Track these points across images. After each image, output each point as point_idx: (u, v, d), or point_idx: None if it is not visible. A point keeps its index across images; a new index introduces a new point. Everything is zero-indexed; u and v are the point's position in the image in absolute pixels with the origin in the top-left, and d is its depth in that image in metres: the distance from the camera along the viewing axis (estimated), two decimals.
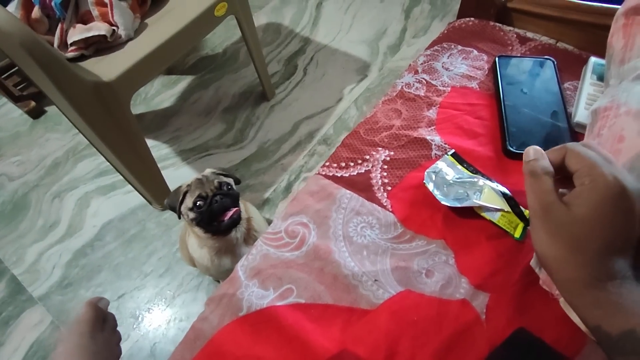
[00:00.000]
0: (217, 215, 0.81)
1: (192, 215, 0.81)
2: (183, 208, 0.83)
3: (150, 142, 1.46)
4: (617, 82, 0.50)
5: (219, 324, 0.45)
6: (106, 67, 0.91)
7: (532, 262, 0.44)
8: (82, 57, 0.96)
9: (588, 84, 0.58)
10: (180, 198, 0.82)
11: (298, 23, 1.87)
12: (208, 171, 0.87)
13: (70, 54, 0.95)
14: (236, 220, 0.82)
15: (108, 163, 1.33)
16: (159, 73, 1.64)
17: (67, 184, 1.39)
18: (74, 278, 1.18)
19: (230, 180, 0.87)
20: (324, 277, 0.46)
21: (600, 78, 0.58)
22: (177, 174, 1.37)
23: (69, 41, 0.95)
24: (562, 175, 0.38)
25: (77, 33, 0.94)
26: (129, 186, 1.33)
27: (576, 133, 0.55)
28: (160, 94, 1.63)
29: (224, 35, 1.83)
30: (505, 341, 0.40)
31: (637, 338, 0.31)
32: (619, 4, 0.56)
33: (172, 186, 1.29)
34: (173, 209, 0.84)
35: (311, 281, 0.46)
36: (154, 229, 1.26)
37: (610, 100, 0.48)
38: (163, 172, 1.22)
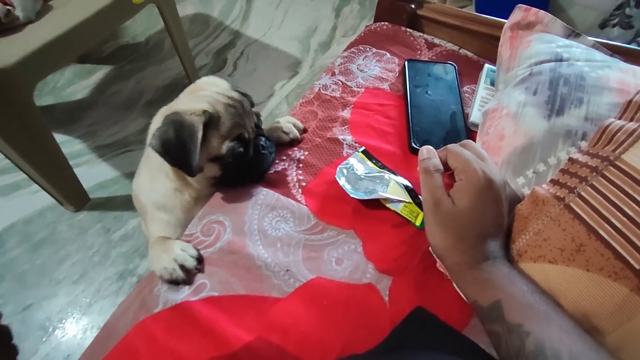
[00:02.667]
0: (263, 162, 0.56)
1: (213, 167, 0.53)
2: (204, 157, 0.51)
3: (61, 137, 1.36)
4: (504, 87, 0.58)
5: (132, 321, 0.45)
6: (2, 52, 0.83)
7: (430, 248, 0.50)
8: None
9: (482, 88, 0.66)
10: (199, 137, 0.49)
11: (228, 15, 1.85)
12: (225, 85, 0.56)
13: None
14: (273, 161, 0.59)
15: (7, 161, 1.21)
16: (68, 62, 1.52)
17: None
18: None
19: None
20: (237, 270, 0.48)
21: (493, 83, 0.67)
22: (93, 171, 1.29)
23: None
24: (452, 171, 0.44)
25: None
26: (36, 185, 1.22)
27: (471, 132, 0.62)
28: (72, 84, 1.51)
29: (146, 23, 1.75)
30: (404, 319, 0.45)
31: (500, 307, 0.37)
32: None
33: (86, 185, 1.21)
34: (178, 161, 0.50)
35: (224, 274, 0.47)
36: (66, 232, 1.17)
37: (497, 103, 0.56)
38: (76, 170, 1.15)
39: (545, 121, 0.48)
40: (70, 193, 1.18)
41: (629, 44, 1.65)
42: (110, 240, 1.16)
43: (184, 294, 0.46)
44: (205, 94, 0.54)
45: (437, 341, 0.42)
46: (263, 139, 0.56)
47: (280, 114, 1.48)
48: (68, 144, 1.34)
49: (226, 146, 0.52)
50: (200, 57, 1.63)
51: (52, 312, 1.04)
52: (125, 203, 1.23)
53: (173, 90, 1.50)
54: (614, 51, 0.60)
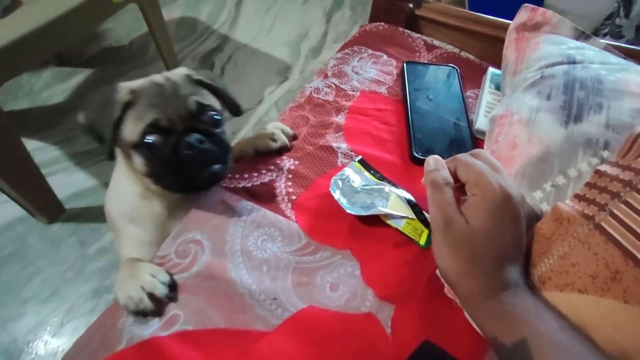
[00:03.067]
0: (190, 166, 0.45)
1: (137, 158, 0.46)
2: (126, 145, 0.45)
3: (36, 144, 1.28)
4: (511, 92, 0.53)
5: None
6: None
7: (438, 271, 0.45)
8: None
9: (487, 93, 0.61)
10: (116, 115, 0.43)
11: (216, 20, 1.79)
12: (180, 71, 0.49)
13: None
14: (220, 176, 0.48)
15: None
16: (39, 62, 1.45)
17: None
18: None
19: (216, 104, 0.49)
20: (216, 298, 0.41)
21: (498, 87, 0.62)
22: (69, 180, 1.21)
23: None
24: (462, 184, 0.39)
25: None
26: (2, 196, 1.13)
27: (477, 139, 0.57)
28: (49, 88, 1.43)
29: (130, 26, 1.68)
30: (410, 356, 0.39)
31: (527, 347, 0.31)
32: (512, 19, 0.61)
33: (61, 195, 1.13)
34: (98, 136, 0.45)
35: (201, 303, 0.41)
36: (36, 246, 1.09)
37: (505, 109, 0.51)
38: (51, 179, 1.08)
39: (562, 128, 0.43)
40: (43, 203, 1.10)
41: None
42: (85, 254, 1.09)
43: (152, 328, 0.40)
44: (155, 75, 0.48)
45: None
46: (196, 136, 0.44)
47: (270, 121, 1.43)
48: (43, 151, 1.26)
49: (141, 127, 0.43)
50: (186, 62, 1.57)
51: (18, 334, 0.96)
52: (102, 214, 1.14)
53: None
54: (626, 54, 0.56)
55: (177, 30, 1.70)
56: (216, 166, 0.46)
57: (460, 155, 0.39)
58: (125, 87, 0.45)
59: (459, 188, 0.40)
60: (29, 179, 1.02)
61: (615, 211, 0.33)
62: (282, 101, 1.49)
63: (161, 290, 0.41)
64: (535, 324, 0.32)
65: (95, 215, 1.16)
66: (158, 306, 0.41)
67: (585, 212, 0.35)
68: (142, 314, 0.40)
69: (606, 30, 1.80)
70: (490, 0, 1.24)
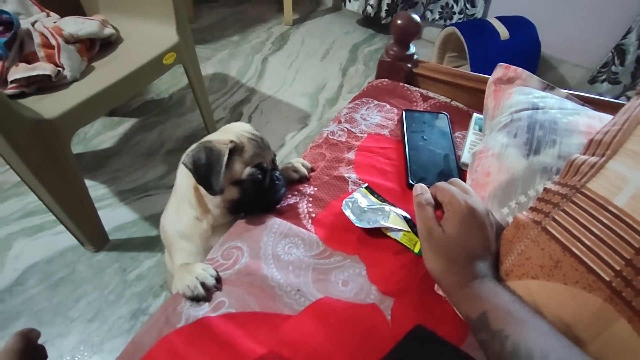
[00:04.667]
0: (269, 195, 0.63)
1: (234, 191, 0.60)
2: (226, 179, 0.59)
3: (87, 183, 1.43)
4: (490, 132, 0.66)
5: (157, 336, 0.49)
6: (48, 105, 0.94)
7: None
8: (22, 95, 0.99)
9: (471, 133, 0.74)
10: (225, 160, 0.57)
11: (244, 75, 2.02)
12: (251, 129, 0.66)
13: (9, 91, 0.97)
14: (284, 195, 0.66)
15: (36, 203, 1.29)
16: (102, 114, 1.67)
17: None
18: None
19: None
20: (253, 289, 0.53)
21: (481, 129, 0.75)
22: (114, 214, 1.36)
23: (10, 79, 0.98)
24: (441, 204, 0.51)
25: (20, 71, 0.97)
26: (59, 227, 1.29)
27: (462, 171, 0.69)
28: (100, 135, 1.64)
29: (170, 82, 1.91)
30: (405, 336, 0.48)
31: (486, 317, 0.41)
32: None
33: (107, 227, 1.28)
34: (204, 178, 0.58)
35: (241, 293, 0.52)
36: (84, 272, 1.22)
37: (484, 146, 0.63)
38: (99, 213, 1.22)
39: (524, 159, 0.55)
40: (92, 234, 1.24)
41: (617, 97, 1.76)
42: (125, 279, 1.21)
43: (204, 310, 0.51)
44: (233, 130, 0.65)
45: (436, 355, 0.46)
46: (277, 172, 0.65)
47: None
48: (93, 188, 1.43)
49: (247, 171, 0.60)
50: (218, 111, 1.77)
51: (64, 350, 1.06)
52: (142, 244, 1.29)
53: (192, 140, 1.59)
54: (585, 101, 0.68)
55: (210, 84, 1.93)
56: (282, 190, 0.65)
57: (439, 183, 0.52)
58: (222, 142, 0.59)
59: (440, 207, 0.52)
60: (85, 213, 1.17)
61: (556, 217, 0.44)
62: (302, 145, 1.65)
63: (210, 280, 0.53)
64: (492, 300, 0.42)
65: (135, 245, 1.29)
66: (208, 294, 0.53)
67: (535, 219, 0.46)
68: (196, 300, 0.52)
69: (603, 77, 1.91)
70: (487, 61, 1.42)
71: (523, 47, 1.68)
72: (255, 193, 0.62)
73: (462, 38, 1.64)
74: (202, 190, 0.62)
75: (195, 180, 0.60)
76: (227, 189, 0.61)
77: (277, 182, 0.64)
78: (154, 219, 1.35)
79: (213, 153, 0.58)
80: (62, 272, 1.22)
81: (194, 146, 0.60)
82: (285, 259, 0.57)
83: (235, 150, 0.60)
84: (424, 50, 2.17)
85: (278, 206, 0.65)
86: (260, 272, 0.54)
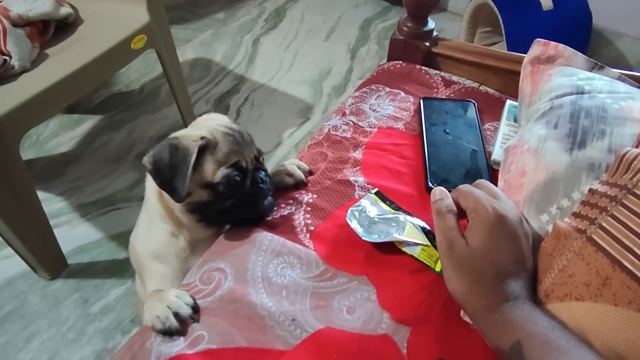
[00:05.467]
0: (259, 198, 0.65)
1: (205, 195, 0.62)
2: (195, 182, 0.60)
3: (41, 195, 1.45)
4: (526, 123, 0.67)
5: None
6: None
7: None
8: None
9: (504, 125, 0.75)
10: (192, 160, 0.58)
11: (231, 60, 2.05)
12: (228, 122, 0.68)
13: None
14: (273, 205, 0.67)
15: None
16: (59, 111, 1.70)
17: None
18: None
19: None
20: (238, 320, 0.54)
21: (516, 119, 0.76)
22: (74, 233, 1.38)
23: None
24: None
25: None
26: (6, 250, 1.31)
27: (494, 170, 0.70)
28: (56, 136, 1.67)
29: (141, 70, 1.95)
30: None
31: (520, 348, 0.42)
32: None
33: (65, 249, 1.30)
34: (167, 181, 0.59)
35: (224, 324, 0.53)
36: (37, 304, 1.24)
37: (518, 139, 0.64)
38: (55, 231, 1.24)
39: (567, 155, 0.56)
40: (47, 258, 1.26)
41: None
42: (88, 313, 1.22)
43: (178, 346, 0.52)
44: (206, 124, 0.66)
45: None
46: (263, 173, 0.66)
47: None
48: (48, 202, 1.46)
49: (222, 173, 0.61)
50: (200, 105, 1.80)
51: None
52: (108, 270, 1.31)
53: None
54: None
55: (190, 72, 1.96)
56: (270, 198, 0.67)
57: (461, 186, 0.53)
58: (191, 139, 0.60)
59: (464, 215, 0.53)
60: (38, 232, 1.19)
61: (604, 224, 0.45)
62: (303, 143, 1.66)
63: (185, 310, 0.54)
64: (528, 327, 0.43)
65: (99, 271, 1.31)
66: (183, 326, 0.54)
67: (579, 226, 0.47)
68: (168, 333, 0.54)
69: None
70: (527, 37, 1.43)
71: (570, 19, 1.69)
72: (234, 199, 0.63)
73: (495, 9, 1.65)
74: (166, 196, 0.63)
75: (157, 184, 0.62)
76: (195, 192, 0.62)
77: (260, 185, 0.65)
78: (123, 238, 1.37)
79: (178, 151, 0.59)
80: (9, 305, 1.24)
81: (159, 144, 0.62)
82: (277, 282, 0.58)
83: (207, 147, 0.61)
84: (450, 25, 2.18)
85: (269, 218, 0.67)
86: (248, 299, 0.56)
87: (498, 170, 0.68)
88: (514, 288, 0.47)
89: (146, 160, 0.60)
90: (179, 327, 0.54)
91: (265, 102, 1.85)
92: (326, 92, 1.90)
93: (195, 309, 0.56)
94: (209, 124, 0.66)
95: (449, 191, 0.55)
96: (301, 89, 1.91)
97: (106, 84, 1.89)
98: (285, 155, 1.63)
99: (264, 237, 0.63)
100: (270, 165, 1.60)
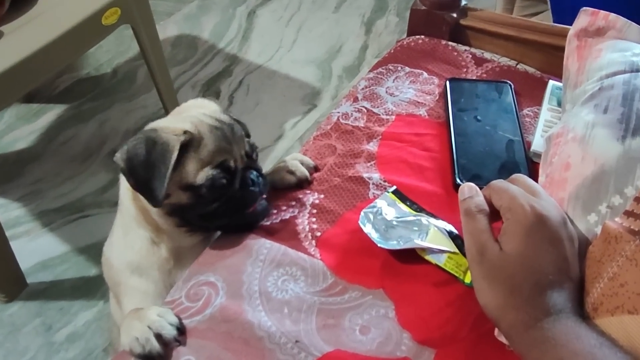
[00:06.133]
0: (249, 202, 0.67)
1: (184, 198, 0.64)
2: (174, 182, 0.62)
3: None
4: (571, 107, 0.69)
5: None
6: None
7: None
8: None
9: (546, 110, 0.77)
10: (173, 158, 0.60)
11: (222, 36, 2.07)
12: (219, 111, 0.70)
13: None
14: (268, 210, 0.71)
15: None
16: (15, 100, 1.73)
17: None
18: None
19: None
20: (232, 343, 0.56)
21: (560, 103, 0.78)
22: (34, 246, 1.41)
23: None
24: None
25: None
26: None
27: (534, 163, 0.72)
28: (13, 131, 1.70)
29: (114, 50, 1.98)
30: None
31: None
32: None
33: (23, 265, 1.32)
34: (143, 183, 0.62)
35: (215, 348, 0.55)
36: None
37: (562, 127, 0.66)
38: (12, 244, 1.26)
39: (618, 144, 0.58)
40: (2, 276, 1.29)
41: None
42: (51, 342, 1.24)
43: None
44: (190, 114, 0.67)
45: None
46: (254, 173, 0.68)
47: None
48: (3, 209, 1.48)
49: (205, 174, 0.63)
50: (185, 90, 1.82)
51: None
52: (76, 289, 1.33)
53: None
54: None
55: (173, 51, 1.99)
56: (263, 201, 0.69)
57: (494, 181, 0.55)
58: (172, 132, 0.62)
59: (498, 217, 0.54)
60: None
61: None
62: (309, 136, 1.66)
63: (169, 331, 0.56)
64: (572, 345, 0.45)
65: (65, 291, 1.33)
66: (166, 350, 0.56)
67: (632, 227, 0.49)
68: (149, 358, 0.55)
69: None
70: (577, 5, 1.43)
71: None
72: (219, 203, 0.65)
73: None
74: (141, 198, 0.65)
75: (130, 185, 0.64)
76: (174, 194, 0.64)
77: (251, 187, 0.66)
78: (93, 252, 1.39)
79: (156, 147, 0.60)
80: None
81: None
82: (278, 298, 0.60)
83: (190, 144, 0.62)
84: None
85: (267, 223, 0.69)
86: (243, 318, 0.58)
87: (538, 164, 0.69)
88: (557, 300, 0.48)
89: (119, 156, 0.62)
90: (162, 351, 0.55)
91: (263, 87, 1.87)
92: (336, 73, 1.92)
93: (181, 329, 0.58)
94: (194, 114, 0.68)
95: (480, 188, 0.56)
96: (306, 70, 1.93)
97: (72, 67, 1.91)
98: (288, 150, 1.65)
99: (262, 245, 0.65)
100: (270, 163, 1.62)
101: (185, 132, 0.62)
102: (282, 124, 1.73)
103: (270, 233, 0.67)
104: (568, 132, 0.63)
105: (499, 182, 0.55)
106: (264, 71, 1.93)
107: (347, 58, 1.98)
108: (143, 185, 0.62)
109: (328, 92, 1.85)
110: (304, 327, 0.57)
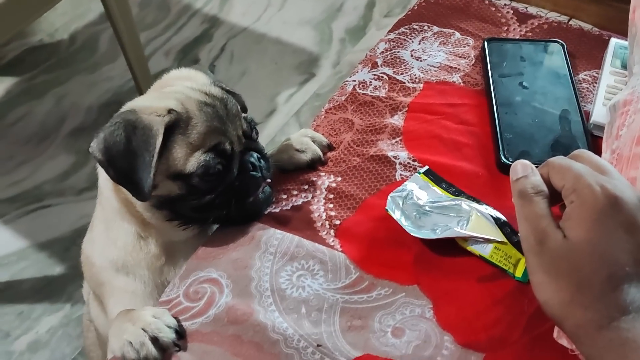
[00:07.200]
0: (239, 195, 0.66)
1: (174, 188, 0.64)
2: (161, 171, 0.62)
3: None
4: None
5: None
6: None
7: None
8: None
9: (608, 73, 0.76)
10: (158, 143, 0.60)
11: None
12: (209, 83, 0.69)
13: None
14: (270, 197, 0.70)
15: None
16: None
17: None
18: None
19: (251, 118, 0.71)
20: (241, 348, 0.55)
21: (624, 65, 0.77)
22: None
23: None
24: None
25: None
26: None
27: (594, 137, 0.71)
28: None
29: (71, 13, 1.95)
30: None
31: None
32: None
33: None
34: (125, 174, 0.61)
35: (222, 355, 0.55)
36: None
37: (630, 92, 0.65)
38: None
39: None
40: None
41: None
42: (10, 351, 1.24)
43: None
44: (174, 90, 0.66)
45: None
46: (255, 155, 0.67)
47: None
48: None
49: (196, 160, 0.62)
50: (157, 58, 1.80)
51: None
52: (37, 291, 1.32)
53: (114, 110, 1.64)
54: None
55: (142, 12, 1.96)
56: (267, 188, 0.68)
57: (554, 158, 0.54)
58: (155, 112, 0.61)
59: (562, 205, 0.54)
60: None
61: None
62: (306, 110, 1.67)
63: (167, 335, 0.56)
64: None
65: (24, 293, 1.33)
66: (164, 355, 0.55)
67: None
68: None
69: None
70: None
71: None
72: (215, 193, 0.65)
73: None
74: (125, 191, 0.65)
75: (110, 177, 0.63)
76: (162, 184, 0.64)
77: (252, 173, 0.66)
78: (57, 247, 1.39)
79: (137, 132, 0.60)
80: None
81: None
82: (294, 296, 0.59)
83: (177, 125, 0.62)
84: None
85: (276, 210, 0.68)
86: (254, 319, 0.57)
87: (600, 138, 0.69)
88: (636, 296, 0.48)
89: (95, 147, 0.61)
90: (159, 357, 0.55)
91: (250, 54, 1.85)
92: (337, 36, 1.90)
93: (181, 333, 0.58)
94: (179, 88, 0.67)
95: (536, 167, 0.56)
96: (301, 33, 1.91)
97: (22, 33, 1.89)
98: (282, 128, 1.63)
99: (271, 236, 0.65)
100: (262, 142, 1.60)
101: (169, 111, 0.61)
102: (274, 96, 1.72)
103: (281, 222, 0.67)
104: (638, 99, 0.63)
105: (559, 159, 0.54)
106: (250, 35, 1.91)
107: (350, 17, 1.96)
108: (125, 177, 0.61)
109: (328, 58, 1.83)
110: (326, 329, 0.57)
